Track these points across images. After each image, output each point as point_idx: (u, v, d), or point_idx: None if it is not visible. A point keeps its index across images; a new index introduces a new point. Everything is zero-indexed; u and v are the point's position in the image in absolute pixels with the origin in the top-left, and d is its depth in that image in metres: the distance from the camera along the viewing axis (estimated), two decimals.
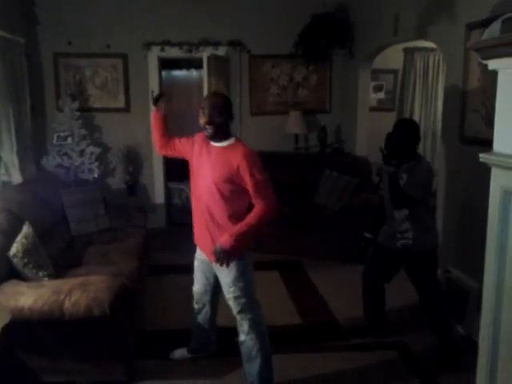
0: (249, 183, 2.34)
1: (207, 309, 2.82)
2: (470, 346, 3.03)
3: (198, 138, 2.56)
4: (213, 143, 2.46)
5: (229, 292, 2.51)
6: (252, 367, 2.55)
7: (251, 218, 2.37)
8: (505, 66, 1.33)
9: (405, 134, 2.78)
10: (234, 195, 2.41)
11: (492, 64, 1.37)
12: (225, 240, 2.34)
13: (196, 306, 2.84)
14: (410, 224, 2.85)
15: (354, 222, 4.53)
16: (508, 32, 1.26)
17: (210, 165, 2.44)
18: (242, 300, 2.49)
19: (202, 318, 2.84)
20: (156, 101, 2.67)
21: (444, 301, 3.03)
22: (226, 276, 2.48)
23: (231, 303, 2.53)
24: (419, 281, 2.94)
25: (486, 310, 1.51)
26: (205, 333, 2.89)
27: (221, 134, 2.42)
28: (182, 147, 2.65)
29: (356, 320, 3.30)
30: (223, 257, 2.34)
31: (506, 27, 1.28)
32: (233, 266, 2.44)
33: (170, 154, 2.74)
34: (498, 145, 1.41)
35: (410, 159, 2.79)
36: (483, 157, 1.42)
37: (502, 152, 1.38)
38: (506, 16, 1.29)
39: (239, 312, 2.51)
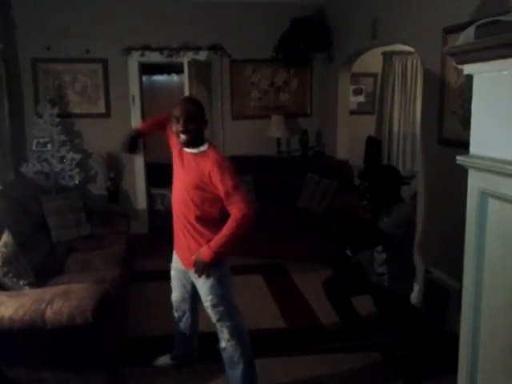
0: (220, 190, 2.31)
1: (187, 316, 2.80)
2: (453, 347, 3.09)
3: (176, 140, 2.53)
4: (186, 149, 2.45)
5: (206, 300, 2.49)
6: (235, 373, 2.55)
7: (227, 228, 2.32)
8: (479, 71, 1.37)
9: (385, 183, 2.88)
10: (205, 202, 2.39)
11: (467, 69, 1.41)
12: (204, 252, 2.34)
13: (176, 314, 2.82)
14: (387, 269, 2.94)
15: (336, 224, 4.57)
16: (482, 37, 1.29)
17: (184, 171, 2.44)
18: (221, 308, 2.47)
19: (183, 325, 2.82)
20: (132, 146, 2.68)
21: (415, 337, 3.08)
22: (203, 284, 2.47)
23: (209, 311, 2.52)
24: (385, 317, 3.04)
25: (465, 310, 1.54)
26: (187, 340, 2.88)
27: (194, 140, 2.40)
28: (171, 140, 2.62)
29: (340, 323, 3.32)
30: (202, 269, 2.35)
31: (480, 32, 1.32)
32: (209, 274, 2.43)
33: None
34: (474, 147, 1.45)
35: (394, 203, 2.86)
36: (460, 159, 1.45)
37: (478, 154, 1.41)
38: (481, 22, 1.33)
39: (218, 320, 2.50)
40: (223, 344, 2.55)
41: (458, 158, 1.44)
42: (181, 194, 2.44)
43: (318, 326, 3.43)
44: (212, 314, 2.51)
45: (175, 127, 2.38)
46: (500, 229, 1.36)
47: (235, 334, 2.51)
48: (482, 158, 1.37)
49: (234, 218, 2.30)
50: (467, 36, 1.34)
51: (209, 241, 2.38)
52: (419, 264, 3.69)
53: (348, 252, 2.88)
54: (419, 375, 2.83)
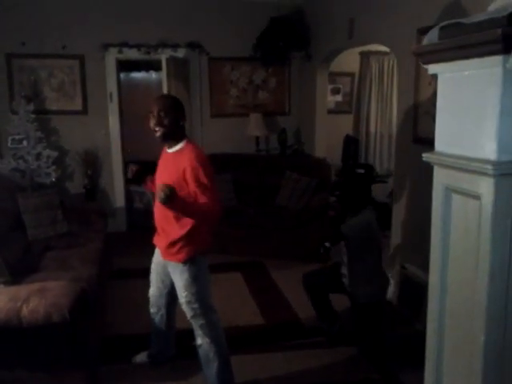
0: (193, 186, 2.30)
1: (163, 313, 2.79)
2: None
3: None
4: (167, 150, 2.48)
5: (182, 297, 2.50)
6: (210, 370, 2.57)
7: (200, 204, 2.30)
8: (443, 71, 1.42)
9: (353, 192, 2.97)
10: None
11: (431, 68, 1.46)
12: (175, 195, 2.20)
13: (152, 310, 2.82)
14: (348, 270, 2.98)
15: (314, 221, 4.62)
16: (445, 38, 1.34)
17: (165, 171, 2.46)
18: (195, 305, 2.47)
19: (158, 321, 2.82)
20: (139, 179, 2.63)
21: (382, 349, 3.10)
22: (179, 280, 2.48)
23: (184, 308, 2.52)
24: (358, 328, 3.09)
25: (431, 304, 1.59)
26: (163, 337, 2.87)
27: (171, 135, 2.40)
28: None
29: (316, 318, 3.37)
30: (164, 196, 2.16)
31: (444, 34, 1.36)
32: (185, 269, 2.44)
33: None
34: (438, 144, 1.50)
35: (361, 207, 2.94)
36: (426, 156, 1.50)
37: (443, 151, 1.46)
38: (444, 23, 1.38)
39: (192, 317, 2.51)
40: (199, 341, 2.56)
41: (423, 155, 1.49)
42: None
43: (296, 322, 3.47)
44: (187, 311, 2.52)
45: (151, 122, 2.38)
46: (463, 223, 1.41)
47: (210, 331, 2.52)
48: (446, 155, 1.43)
49: (207, 206, 2.29)
50: (431, 37, 1.38)
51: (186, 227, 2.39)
52: (395, 260, 3.77)
53: (327, 244, 2.94)
54: (395, 369, 2.88)
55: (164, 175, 2.45)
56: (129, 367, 2.89)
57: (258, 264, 4.62)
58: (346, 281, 3.01)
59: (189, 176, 2.31)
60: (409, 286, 3.50)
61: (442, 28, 1.37)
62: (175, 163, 2.38)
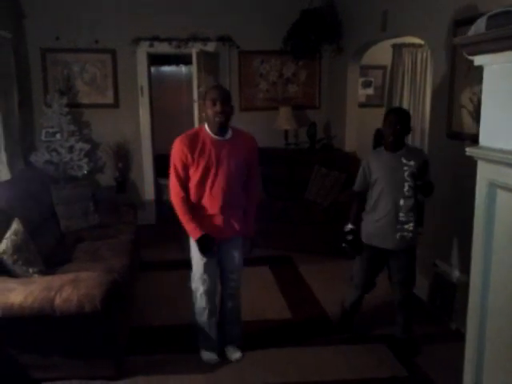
0: (255, 163, 2.76)
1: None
2: (460, 340, 3.08)
3: (183, 145, 2.57)
4: (218, 137, 2.59)
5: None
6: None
7: (254, 211, 2.84)
8: (490, 62, 1.36)
9: (401, 124, 2.80)
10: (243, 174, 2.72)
11: (478, 60, 1.40)
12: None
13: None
14: (413, 215, 2.83)
15: (343, 216, 4.55)
16: (493, 28, 1.28)
17: (229, 155, 2.60)
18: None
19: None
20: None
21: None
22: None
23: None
24: (405, 275, 2.94)
25: (472, 303, 1.54)
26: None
27: (228, 121, 2.60)
28: (188, 175, 2.64)
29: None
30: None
31: (491, 23, 1.30)
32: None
33: None
34: (483, 139, 1.44)
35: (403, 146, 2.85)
36: (470, 150, 1.45)
37: (488, 146, 1.41)
38: (492, 12, 1.32)
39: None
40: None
41: (467, 149, 1.44)
42: (227, 180, 2.60)
43: (324, 318, 3.44)
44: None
45: (211, 110, 2.53)
46: (508, 220, 1.35)
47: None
48: (492, 150, 1.37)
49: (254, 192, 2.82)
50: (478, 27, 1.32)
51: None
52: (426, 258, 3.69)
53: (347, 227, 2.88)
54: (424, 366, 2.83)
55: (230, 160, 2.60)
56: (155, 358, 2.92)
57: (286, 258, 4.60)
58: (408, 227, 2.83)
59: (255, 155, 2.73)
60: (440, 284, 3.42)
61: (490, 17, 1.31)
62: (237, 146, 2.62)
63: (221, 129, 2.58)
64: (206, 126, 2.62)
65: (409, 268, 2.94)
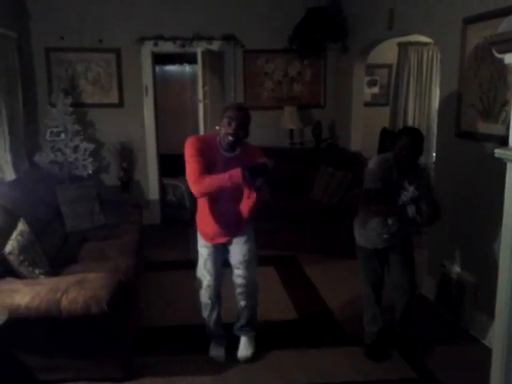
0: None
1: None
2: (468, 341, 3.06)
3: (198, 141, 2.56)
4: (225, 154, 2.56)
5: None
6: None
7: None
8: None
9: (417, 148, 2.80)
10: None
11: (508, 58, 1.34)
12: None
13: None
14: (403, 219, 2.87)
15: (349, 216, 4.52)
16: None
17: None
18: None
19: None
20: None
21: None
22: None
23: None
24: (408, 266, 2.94)
25: (499, 306, 1.49)
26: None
27: (237, 145, 2.56)
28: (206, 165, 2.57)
29: (352, 315, 3.30)
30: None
31: None
32: None
33: None
34: None
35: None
36: (499, 152, 1.40)
37: None
38: None
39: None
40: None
41: (496, 151, 1.40)
42: (231, 195, 2.60)
43: (330, 318, 3.41)
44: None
45: (225, 128, 2.50)
46: None
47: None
48: None
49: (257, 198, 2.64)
50: (510, 24, 1.27)
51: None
52: (434, 258, 3.66)
53: (389, 220, 2.86)
54: (433, 368, 2.80)
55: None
56: (162, 358, 2.90)
57: (291, 258, 4.58)
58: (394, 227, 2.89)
59: None
60: (448, 285, 3.39)
61: None
62: (244, 162, 2.43)
63: (229, 148, 2.57)
64: (219, 138, 2.59)
65: (408, 260, 2.95)
